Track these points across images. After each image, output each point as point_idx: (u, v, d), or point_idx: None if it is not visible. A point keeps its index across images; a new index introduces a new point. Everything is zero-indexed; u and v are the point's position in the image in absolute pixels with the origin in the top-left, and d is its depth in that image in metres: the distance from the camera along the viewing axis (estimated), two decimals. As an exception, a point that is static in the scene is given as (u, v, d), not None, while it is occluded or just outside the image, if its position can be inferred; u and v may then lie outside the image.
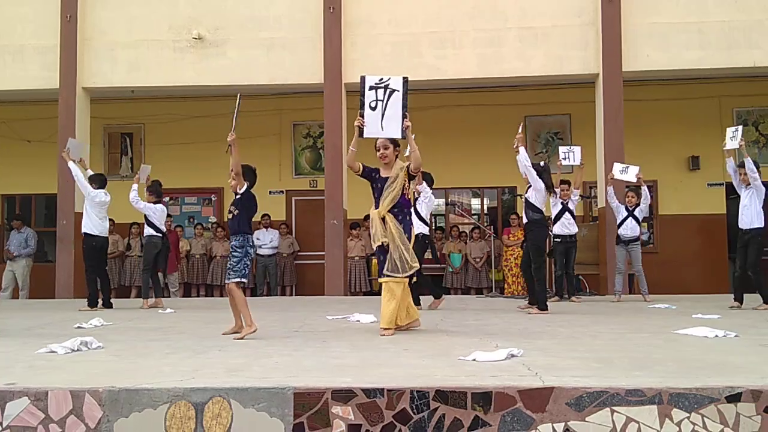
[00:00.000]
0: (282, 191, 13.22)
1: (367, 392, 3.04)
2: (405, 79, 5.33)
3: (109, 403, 3.06)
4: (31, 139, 12.95)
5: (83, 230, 8.51)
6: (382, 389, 3.04)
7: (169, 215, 12.52)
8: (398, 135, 5.22)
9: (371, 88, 5.25)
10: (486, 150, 12.29)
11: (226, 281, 5.29)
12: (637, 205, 9.10)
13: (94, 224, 8.45)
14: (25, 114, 12.83)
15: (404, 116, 5.26)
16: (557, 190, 8.65)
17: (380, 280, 5.39)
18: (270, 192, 12.45)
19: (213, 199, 13.55)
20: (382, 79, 5.28)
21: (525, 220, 7.48)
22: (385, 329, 5.24)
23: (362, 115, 5.29)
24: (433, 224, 12.74)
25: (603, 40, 10.44)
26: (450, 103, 12.47)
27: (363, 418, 3.01)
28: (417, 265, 5.43)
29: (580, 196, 9.33)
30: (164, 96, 12.53)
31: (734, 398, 2.97)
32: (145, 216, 8.81)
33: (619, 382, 3.11)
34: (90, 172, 8.94)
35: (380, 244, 5.33)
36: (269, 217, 12.47)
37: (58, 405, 3.08)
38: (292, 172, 13.38)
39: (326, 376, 3.36)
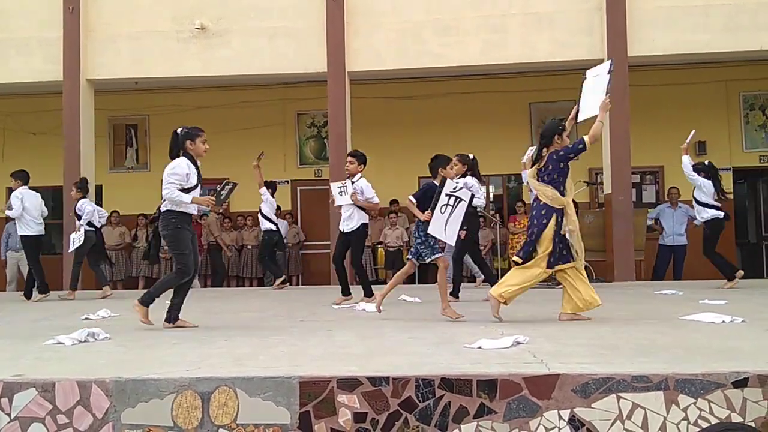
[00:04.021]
0: (287, 181, 13.20)
1: (373, 381, 3.05)
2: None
3: (116, 394, 3.08)
4: (36, 132, 12.97)
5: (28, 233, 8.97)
6: (388, 377, 3.05)
7: None
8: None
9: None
10: (491, 137, 12.23)
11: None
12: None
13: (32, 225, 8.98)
14: (30, 107, 12.83)
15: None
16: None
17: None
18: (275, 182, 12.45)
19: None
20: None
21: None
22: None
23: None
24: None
25: (608, 25, 10.34)
26: (454, 90, 12.40)
27: (369, 407, 3.02)
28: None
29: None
30: (168, 87, 12.51)
31: (741, 383, 2.96)
32: (78, 214, 9.15)
33: (625, 368, 3.11)
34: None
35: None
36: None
37: (66, 396, 3.10)
38: (297, 161, 13.37)
39: (332, 365, 3.37)
